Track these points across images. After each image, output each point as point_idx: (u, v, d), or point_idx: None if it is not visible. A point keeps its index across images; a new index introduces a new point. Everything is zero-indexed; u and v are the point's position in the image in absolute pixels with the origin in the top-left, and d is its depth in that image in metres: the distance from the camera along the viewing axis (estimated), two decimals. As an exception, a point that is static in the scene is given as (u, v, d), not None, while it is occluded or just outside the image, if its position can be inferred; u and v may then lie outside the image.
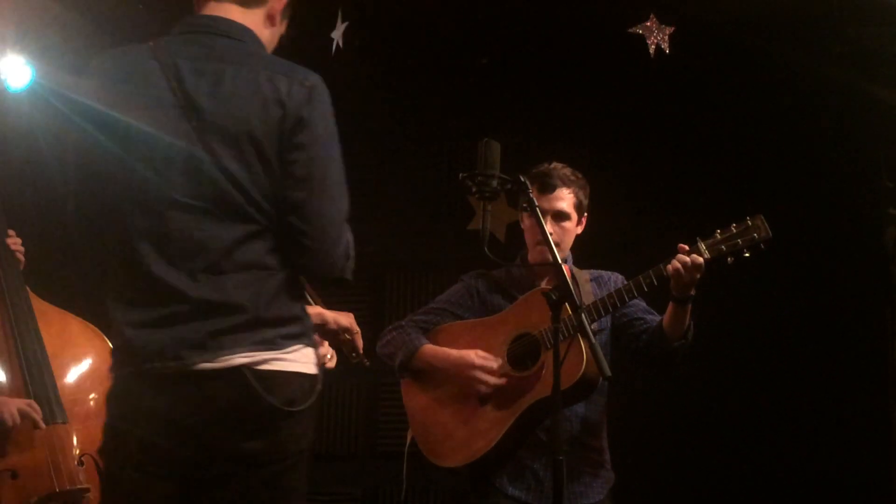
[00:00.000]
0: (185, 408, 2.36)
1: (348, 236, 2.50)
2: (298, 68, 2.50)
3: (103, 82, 2.46)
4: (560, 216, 3.62)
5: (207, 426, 2.37)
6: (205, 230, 2.39)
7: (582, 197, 3.68)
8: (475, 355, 3.59)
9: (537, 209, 3.01)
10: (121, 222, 2.42)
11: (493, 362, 3.57)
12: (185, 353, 2.35)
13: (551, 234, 3.52)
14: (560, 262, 2.90)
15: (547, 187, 3.60)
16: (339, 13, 5.18)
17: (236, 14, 2.54)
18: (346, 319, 2.96)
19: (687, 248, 3.39)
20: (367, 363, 3.10)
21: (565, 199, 3.63)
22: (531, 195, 3.00)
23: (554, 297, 2.87)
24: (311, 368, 2.47)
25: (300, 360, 2.44)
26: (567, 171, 3.67)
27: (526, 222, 3.73)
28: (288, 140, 2.41)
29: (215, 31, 2.51)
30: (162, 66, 2.44)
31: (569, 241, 3.69)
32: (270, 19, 2.61)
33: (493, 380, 3.56)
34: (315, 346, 2.51)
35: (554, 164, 3.69)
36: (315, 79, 2.49)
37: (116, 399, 2.46)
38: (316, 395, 2.45)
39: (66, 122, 2.49)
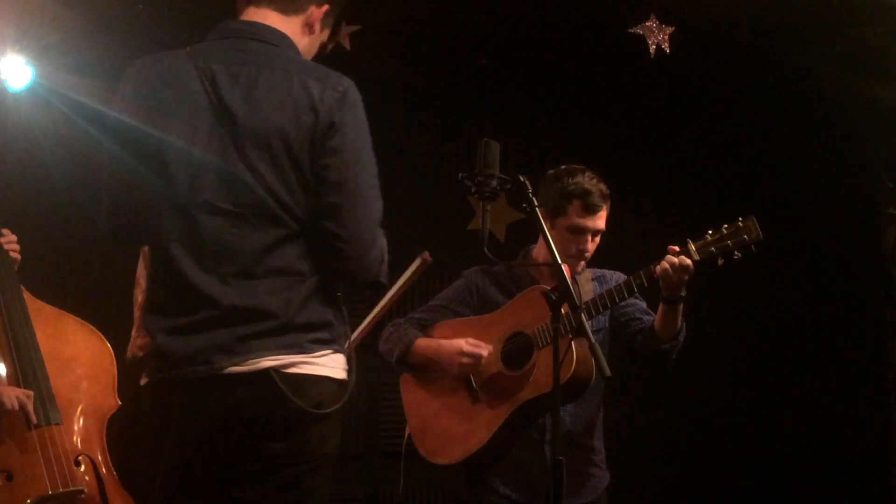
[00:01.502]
0: (216, 411, 2.40)
1: (382, 240, 2.53)
2: (332, 73, 2.51)
3: (141, 86, 2.48)
4: (598, 234, 3.62)
5: (236, 428, 2.40)
6: (237, 234, 2.41)
7: (610, 207, 3.68)
8: (465, 342, 3.60)
9: (537, 209, 3.00)
10: (155, 226, 2.44)
11: (483, 349, 3.58)
12: (215, 357, 2.39)
13: (587, 251, 3.58)
14: (559, 261, 2.90)
15: (591, 208, 3.57)
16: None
17: (275, 20, 2.56)
18: None
19: (677, 249, 3.39)
20: None
21: (604, 217, 3.63)
22: (531, 195, 2.98)
23: (553, 297, 2.87)
24: (341, 373, 2.49)
25: (329, 364, 2.46)
26: (603, 185, 3.63)
27: (563, 235, 3.58)
28: (321, 145, 2.43)
29: (251, 35, 2.53)
30: (198, 70, 2.46)
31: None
32: (309, 27, 2.63)
33: (481, 362, 3.57)
34: (345, 352, 2.51)
35: (590, 177, 3.61)
36: (347, 83, 2.50)
37: (151, 404, 2.51)
38: (344, 399, 2.47)
39: (102, 125, 2.50)
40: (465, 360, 3.59)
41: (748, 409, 5.07)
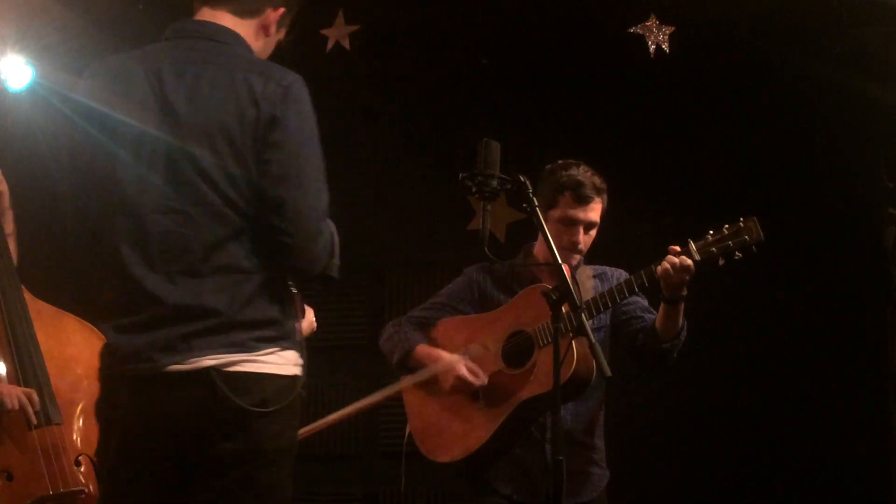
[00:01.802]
0: (158, 410, 2.42)
1: (330, 233, 2.53)
2: (276, 68, 2.52)
3: (94, 87, 2.51)
4: (591, 226, 3.62)
5: (180, 427, 2.41)
6: (183, 233, 2.42)
7: (606, 202, 3.68)
8: (464, 366, 3.61)
9: (537, 209, 3.00)
10: (108, 225, 2.47)
11: (478, 381, 3.59)
12: (157, 355, 2.41)
13: (578, 242, 3.56)
14: (560, 261, 2.90)
15: (582, 198, 3.58)
16: (341, 13, 5.19)
17: (228, 22, 2.58)
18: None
19: (678, 249, 3.39)
20: None
21: (597, 209, 3.63)
22: (531, 195, 2.99)
23: (554, 297, 2.88)
24: (289, 370, 2.48)
25: (276, 361, 2.46)
26: (597, 178, 3.65)
27: (555, 227, 3.59)
28: (263, 139, 2.43)
29: (201, 35, 2.56)
30: (146, 70, 2.49)
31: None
32: (265, 29, 2.64)
33: (470, 388, 3.60)
34: (297, 347, 2.52)
35: (584, 170, 3.64)
36: (292, 78, 2.50)
37: (101, 400, 2.54)
38: (294, 395, 2.47)
39: (60, 124, 2.55)
40: (457, 382, 3.61)
41: (748, 408, 5.07)
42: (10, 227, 3.68)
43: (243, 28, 2.59)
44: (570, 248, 3.61)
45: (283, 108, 2.45)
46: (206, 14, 2.59)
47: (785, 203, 4.95)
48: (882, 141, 5.14)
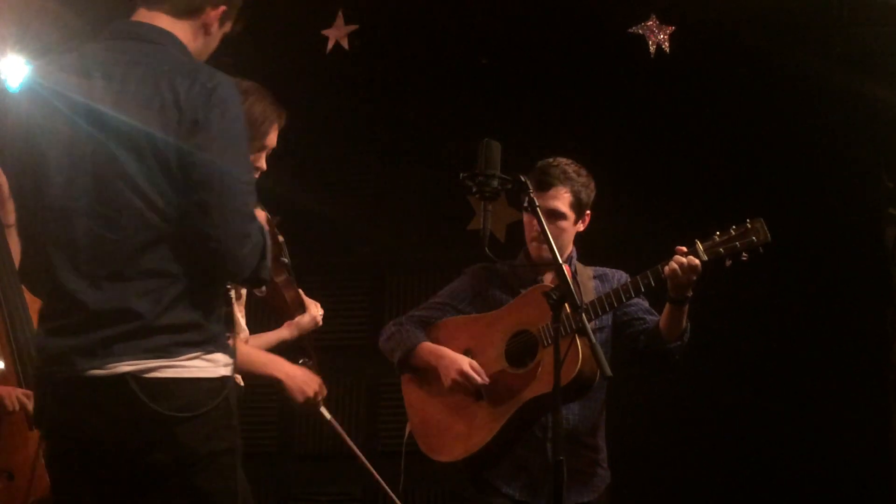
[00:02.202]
0: (82, 414, 2.42)
1: (258, 236, 2.48)
2: (205, 70, 2.48)
3: (31, 88, 2.51)
4: (554, 215, 3.58)
5: (104, 433, 2.41)
6: (110, 237, 2.41)
7: (583, 195, 3.64)
8: (469, 364, 3.60)
9: (538, 209, 3.00)
10: (39, 227, 2.47)
11: (481, 380, 3.58)
12: (78, 359, 2.40)
13: (533, 229, 3.55)
14: (560, 261, 2.89)
15: (542, 185, 3.58)
16: (340, 13, 5.19)
17: (165, 22, 2.55)
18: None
19: (685, 249, 3.38)
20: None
21: (560, 197, 3.60)
22: (532, 195, 2.99)
23: (554, 298, 2.87)
24: (214, 373, 2.46)
25: (199, 365, 2.43)
26: (570, 167, 3.64)
27: (524, 218, 3.73)
28: (186, 143, 2.40)
29: (134, 36, 2.54)
30: (78, 72, 2.47)
31: (566, 240, 3.67)
32: (205, 28, 2.61)
33: (473, 386, 3.60)
34: (225, 349, 2.49)
35: (556, 160, 3.66)
36: (219, 80, 2.46)
37: (34, 404, 2.57)
38: (222, 397, 2.44)
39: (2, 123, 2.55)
40: (460, 378, 3.60)
41: (748, 409, 5.07)
42: (10, 218, 3.67)
43: (180, 28, 2.56)
44: (535, 239, 3.62)
45: (206, 111, 2.41)
46: (142, 15, 2.57)
47: (785, 203, 4.95)
48: (882, 141, 5.14)
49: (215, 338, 2.48)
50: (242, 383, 3.20)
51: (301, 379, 3.35)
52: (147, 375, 2.38)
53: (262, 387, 5.63)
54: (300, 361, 3.32)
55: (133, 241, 2.41)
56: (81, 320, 2.41)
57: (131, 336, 2.39)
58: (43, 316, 2.53)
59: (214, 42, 2.66)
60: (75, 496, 2.48)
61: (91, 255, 2.42)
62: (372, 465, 3.80)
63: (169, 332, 2.40)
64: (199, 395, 2.42)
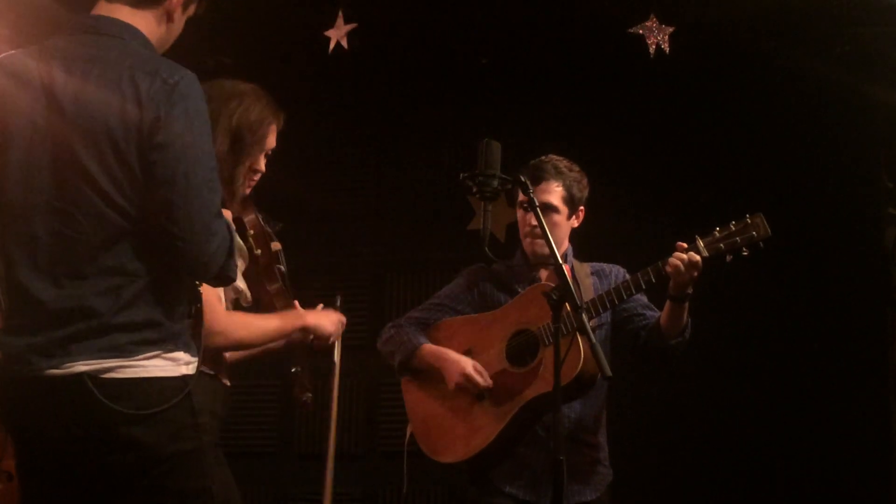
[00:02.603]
0: (41, 414, 2.40)
1: (223, 232, 2.45)
2: (167, 65, 2.44)
3: None
4: (546, 208, 3.58)
5: (64, 433, 2.39)
6: (70, 235, 2.39)
7: (575, 191, 3.66)
8: (472, 366, 3.60)
9: (537, 208, 3.00)
10: (0, 227, 2.46)
11: (484, 382, 3.58)
12: (35, 359, 2.37)
13: (536, 226, 3.54)
14: (560, 260, 2.89)
15: (534, 179, 3.58)
16: (341, 14, 5.18)
17: (125, 14, 2.52)
18: (326, 323, 3.06)
19: (685, 246, 3.39)
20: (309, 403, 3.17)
21: (552, 191, 3.62)
22: (532, 195, 2.99)
23: (554, 298, 2.87)
24: (174, 372, 2.42)
25: (158, 364, 2.41)
26: (561, 163, 3.66)
27: (517, 214, 3.74)
28: (147, 141, 2.37)
29: (95, 30, 2.50)
30: (39, 68, 2.44)
31: (561, 235, 3.67)
32: (168, 16, 2.57)
33: (476, 389, 3.59)
34: (187, 348, 2.45)
35: (549, 157, 3.69)
36: (182, 75, 2.42)
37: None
38: (182, 396, 2.40)
39: None
40: (464, 381, 3.60)
41: (748, 408, 5.07)
42: None
43: (142, 18, 2.53)
44: (529, 234, 3.65)
45: (168, 108, 2.38)
46: (103, 8, 2.53)
47: (785, 203, 4.95)
48: (882, 141, 5.14)
49: (175, 336, 2.44)
50: (228, 383, 3.15)
51: (325, 318, 3.22)
52: (104, 376, 2.35)
53: (262, 387, 5.68)
54: (292, 371, 3.24)
55: (93, 238, 2.38)
56: (40, 319, 2.38)
57: (88, 335, 2.36)
58: (3, 314, 2.49)
59: (178, 28, 2.62)
60: (43, 498, 2.46)
61: (51, 253, 2.40)
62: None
63: (126, 331, 2.37)
64: (158, 395, 2.38)
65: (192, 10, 2.62)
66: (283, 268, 3.21)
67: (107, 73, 2.40)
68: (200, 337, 2.53)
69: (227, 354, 3.10)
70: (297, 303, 3.25)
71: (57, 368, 2.36)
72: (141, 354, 2.38)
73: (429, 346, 3.72)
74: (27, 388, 2.39)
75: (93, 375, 2.35)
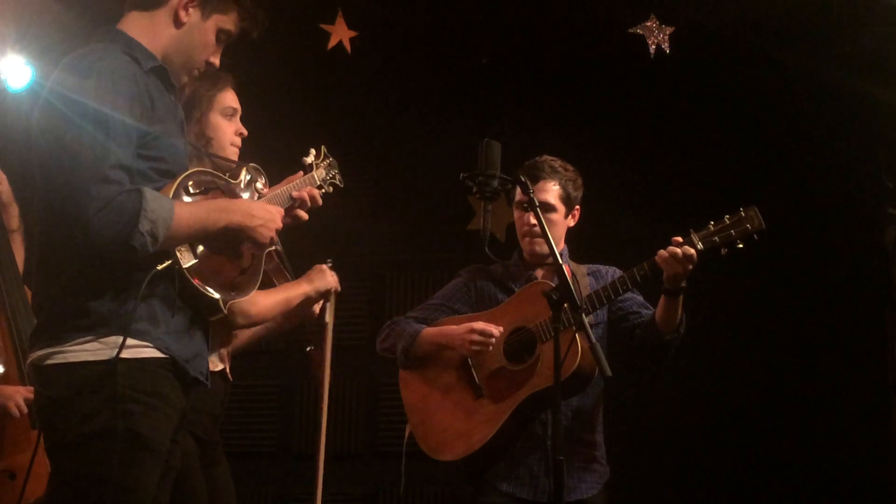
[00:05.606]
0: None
1: (116, 198, 2.39)
2: (77, 51, 2.56)
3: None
4: (543, 207, 3.58)
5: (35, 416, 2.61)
6: (31, 232, 2.68)
7: (570, 189, 3.69)
8: (478, 324, 3.59)
9: (537, 207, 3.01)
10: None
11: (495, 329, 3.56)
12: (29, 351, 2.59)
13: (535, 225, 3.54)
14: (560, 260, 2.90)
15: (531, 179, 3.58)
16: (341, 15, 5.19)
17: (136, 19, 2.62)
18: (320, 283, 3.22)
19: (680, 240, 3.40)
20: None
21: (549, 190, 3.65)
22: (532, 195, 2.99)
23: (555, 297, 2.87)
24: (101, 356, 2.45)
25: (88, 349, 2.46)
26: (556, 163, 3.69)
27: (514, 214, 3.75)
28: (36, 123, 2.51)
29: (93, 40, 2.64)
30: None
31: (558, 234, 3.69)
32: (175, 18, 2.62)
33: (492, 340, 3.56)
34: (124, 331, 2.45)
35: (543, 157, 3.71)
36: (73, 54, 2.54)
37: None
38: (108, 378, 2.43)
39: None
40: (475, 337, 3.57)
41: (748, 408, 5.07)
42: (14, 222, 3.67)
43: (150, 21, 2.61)
44: (527, 234, 3.66)
45: (49, 83, 2.49)
46: (121, 20, 2.66)
47: (785, 203, 4.95)
48: (882, 141, 5.14)
49: (107, 320, 2.46)
50: (231, 378, 3.16)
51: (318, 275, 3.37)
52: (43, 363, 2.48)
53: (262, 387, 5.68)
54: (307, 349, 3.31)
55: (34, 232, 2.58)
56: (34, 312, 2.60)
57: (40, 326, 2.53)
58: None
59: (197, 34, 2.64)
60: None
61: (34, 251, 2.61)
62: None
63: (62, 319, 2.47)
64: (84, 379, 2.45)
65: (218, 19, 2.64)
66: (279, 248, 3.27)
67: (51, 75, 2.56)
68: (161, 323, 2.51)
69: (237, 337, 3.17)
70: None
71: (27, 359, 2.56)
72: (72, 341, 2.46)
73: (429, 329, 3.72)
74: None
75: (35, 364, 2.50)
